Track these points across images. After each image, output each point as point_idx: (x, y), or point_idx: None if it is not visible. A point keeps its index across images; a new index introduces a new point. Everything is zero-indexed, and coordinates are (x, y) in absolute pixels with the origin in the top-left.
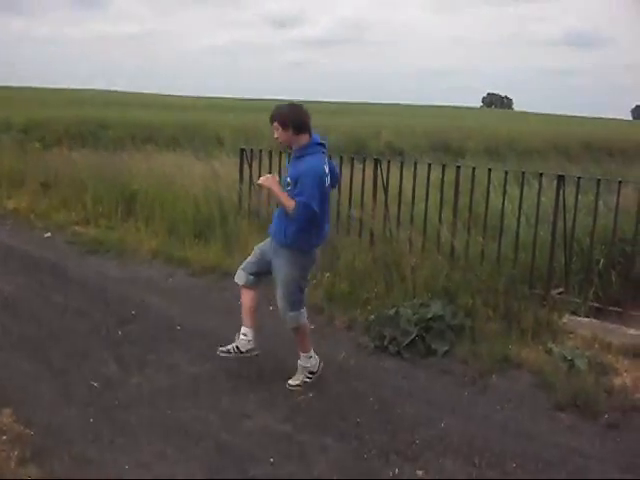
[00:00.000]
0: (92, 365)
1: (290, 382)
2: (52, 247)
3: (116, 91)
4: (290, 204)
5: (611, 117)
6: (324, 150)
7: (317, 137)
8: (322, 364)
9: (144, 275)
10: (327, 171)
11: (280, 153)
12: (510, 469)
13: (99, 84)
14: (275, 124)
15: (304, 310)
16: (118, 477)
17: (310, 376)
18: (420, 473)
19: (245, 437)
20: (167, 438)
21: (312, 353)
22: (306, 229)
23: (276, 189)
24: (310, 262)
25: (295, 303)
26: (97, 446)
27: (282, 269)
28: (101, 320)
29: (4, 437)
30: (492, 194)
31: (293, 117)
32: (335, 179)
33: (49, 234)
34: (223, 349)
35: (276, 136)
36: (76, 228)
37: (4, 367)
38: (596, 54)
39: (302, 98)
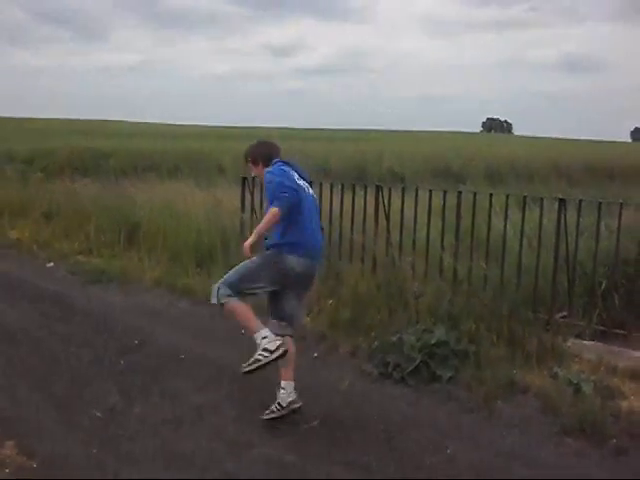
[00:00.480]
0: (95, 395)
1: (243, 365)
2: (55, 277)
3: (118, 121)
4: (266, 221)
5: (611, 140)
6: (293, 168)
7: (288, 162)
8: (282, 345)
9: (147, 304)
10: (298, 177)
11: None
12: None
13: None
14: (249, 164)
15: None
16: None
17: (265, 354)
18: None
19: (250, 467)
20: (172, 468)
21: (264, 332)
22: (286, 225)
23: (254, 238)
24: (288, 265)
25: (231, 284)
26: (101, 477)
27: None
28: (104, 349)
29: (6, 470)
30: (494, 218)
31: (261, 152)
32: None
33: (52, 264)
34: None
35: (252, 174)
36: (79, 258)
37: (8, 398)
38: (595, 78)
39: (303, 126)
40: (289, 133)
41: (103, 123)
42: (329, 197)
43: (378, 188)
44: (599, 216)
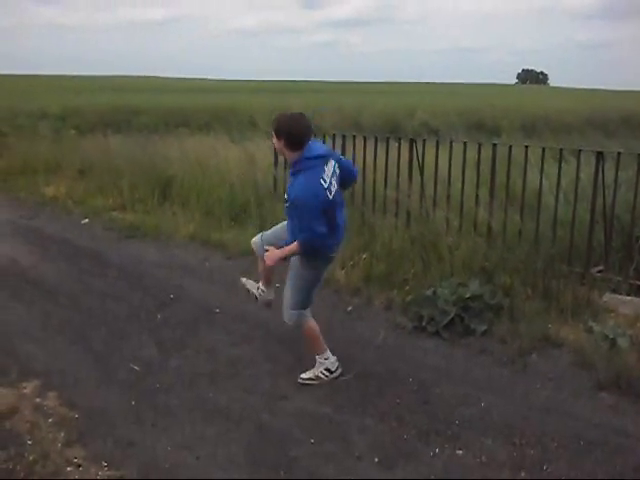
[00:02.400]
0: (132, 349)
1: (302, 375)
2: (90, 233)
3: (147, 76)
4: (294, 249)
5: None
6: (323, 160)
7: (314, 149)
8: (340, 369)
9: (181, 259)
10: (330, 180)
11: (314, 135)
12: (551, 448)
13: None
14: (273, 132)
15: (307, 312)
16: (161, 458)
17: (326, 373)
18: (460, 453)
19: (285, 418)
20: (208, 420)
21: (328, 354)
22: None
23: (281, 254)
24: (323, 265)
25: (301, 304)
26: (139, 428)
27: (296, 268)
28: (140, 304)
29: (50, 420)
30: (529, 172)
31: (287, 129)
32: (350, 178)
33: (87, 220)
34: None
35: (274, 143)
36: (113, 214)
37: (48, 351)
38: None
39: (333, 79)
40: (320, 87)
41: (132, 79)
42: (362, 151)
43: (412, 141)
44: (639, 169)
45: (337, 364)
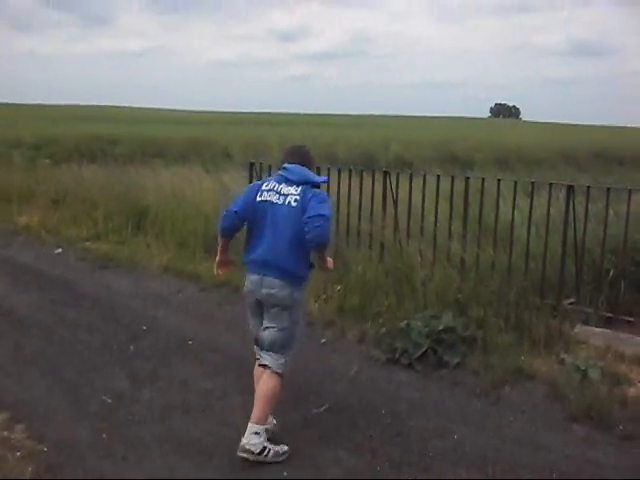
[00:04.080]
0: (104, 380)
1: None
2: (63, 263)
3: (124, 107)
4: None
5: (621, 125)
6: (284, 174)
7: (286, 165)
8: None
9: (155, 290)
10: (276, 192)
11: None
12: None
13: (107, 101)
14: None
15: (256, 354)
16: None
17: (279, 458)
18: None
19: None
20: (180, 453)
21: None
22: (245, 244)
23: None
24: (246, 285)
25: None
26: (110, 461)
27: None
28: (113, 335)
29: (18, 453)
30: (502, 205)
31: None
32: (308, 209)
33: (60, 250)
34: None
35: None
36: (87, 244)
37: (17, 383)
38: (602, 63)
39: (309, 111)
40: (295, 119)
41: (109, 109)
42: (337, 183)
43: (386, 174)
44: (607, 202)
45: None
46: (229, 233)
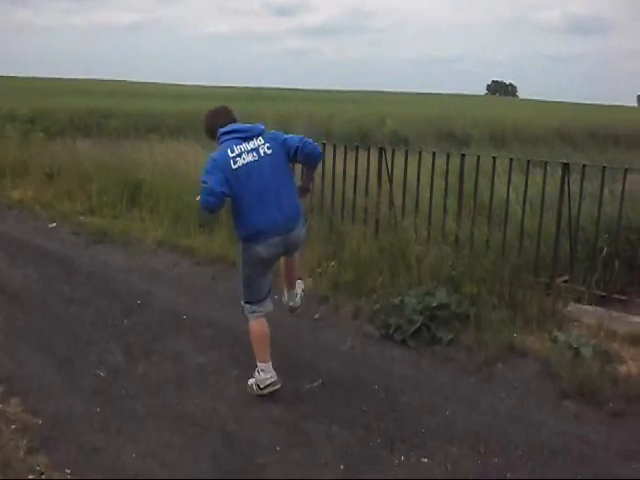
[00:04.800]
0: (98, 354)
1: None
2: (57, 237)
3: (119, 80)
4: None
5: (617, 104)
6: (239, 135)
7: (231, 127)
8: (273, 388)
9: (149, 264)
10: (245, 152)
11: None
12: (515, 457)
13: (102, 74)
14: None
15: (261, 309)
16: (126, 466)
17: (254, 388)
18: (425, 461)
19: (252, 426)
20: (174, 427)
21: (264, 367)
22: (234, 221)
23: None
24: (253, 256)
25: (246, 294)
26: (104, 435)
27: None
28: (107, 310)
29: (12, 426)
30: (497, 182)
31: (206, 128)
32: (301, 153)
33: (54, 224)
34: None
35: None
36: (81, 218)
37: (11, 357)
38: (599, 40)
39: (305, 86)
40: (290, 94)
41: (103, 83)
42: (332, 159)
43: (381, 150)
44: (602, 181)
45: (270, 382)
46: (218, 210)
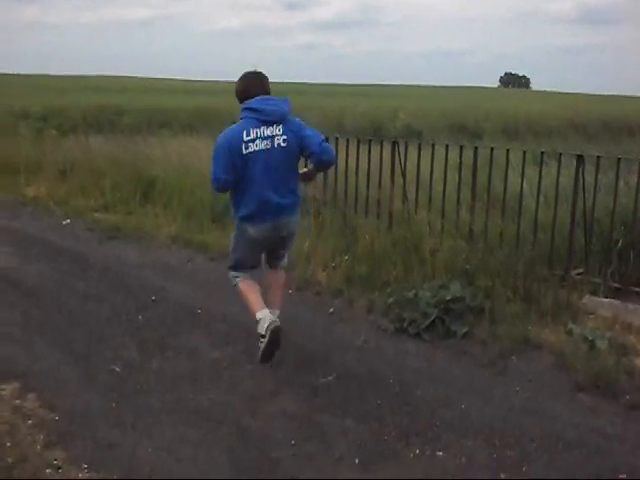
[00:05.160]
0: (113, 350)
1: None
2: (71, 234)
3: (130, 77)
4: None
5: (631, 95)
6: (260, 115)
7: (256, 101)
8: (275, 327)
9: (163, 260)
10: (261, 138)
11: None
12: (530, 449)
13: (114, 70)
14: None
15: (243, 274)
16: (141, 461)
17: (261, 340)
18: (440, 454)
19: (266, 420)
20: (189, 422)
21: (259, 315)
22: (233, 199)
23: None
24: (245, 234)
25: (231, 260)
26: (120, 430)
27: None
28: (121, 306)
29: (29, 422)
30: (511, 175)
31: (237, 90)
32: (316, 155)
33: (68, 221)
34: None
35: None
36: (95, 215)
37: (27, 352)
38: (613, 31)
39: (317, 81)
40: (302, 88)
41: (115, 79)
42: (345, 152)
43: (394, 143)
44: (618, 173)
45: (268, 323)
46: (227, 191)
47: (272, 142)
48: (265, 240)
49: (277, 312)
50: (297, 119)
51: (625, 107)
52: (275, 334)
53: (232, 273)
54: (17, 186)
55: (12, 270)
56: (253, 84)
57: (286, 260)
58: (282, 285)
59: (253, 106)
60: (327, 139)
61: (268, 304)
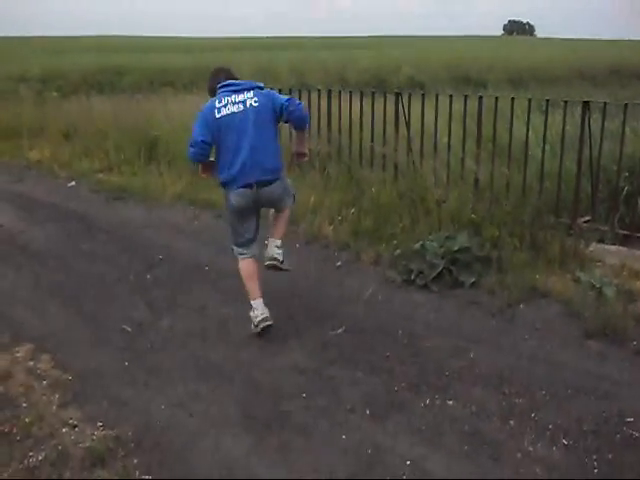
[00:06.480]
0: (123, 310)
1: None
2: (77, 196)
3: (131, 36)
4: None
5: (638, 39)
6: (230, 88)
7: (226, 83)
8: (265, 326)
9: (169, 219)
10: (231, 104)
11: (299, 91)
12: (539, 397)
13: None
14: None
15: (246, 252)
16: (155, 417)
17: (254, 329)
18: (450, 403)
19: (277, 374)
20: (200, 378)
21: (255, 304)
22: (217, 165)
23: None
24: (230, 203)
25: (230, 237)
26: (133, 388)
27: None
28: (129, 265)
29: (44, 382)
30: (516, 124)
31: (208, 88)
32: (287, 113)
33: (73, 183)
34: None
35: None
36: (99, 176)
37: (39, 315)
38: None
39: (318, 34)
40: (304, 42)
41: (116, 39)
42: (348, 106)
43: (397, 95)
44: (624, 119)
45: (261, 318)
46: (204, 159)
47: (244, 104)
48: (246, 208)
49: (278, 241)
50: (268, 89)
51: (633, 52)
52: (264, 330)
53: (234, 249)
54: (20, 150)
55: (20, 233)
56: (219, 73)
57: (288, 210)
58: (284, 217)
59: (224, 83)
60: (330, 92)
61: (270, 234)
